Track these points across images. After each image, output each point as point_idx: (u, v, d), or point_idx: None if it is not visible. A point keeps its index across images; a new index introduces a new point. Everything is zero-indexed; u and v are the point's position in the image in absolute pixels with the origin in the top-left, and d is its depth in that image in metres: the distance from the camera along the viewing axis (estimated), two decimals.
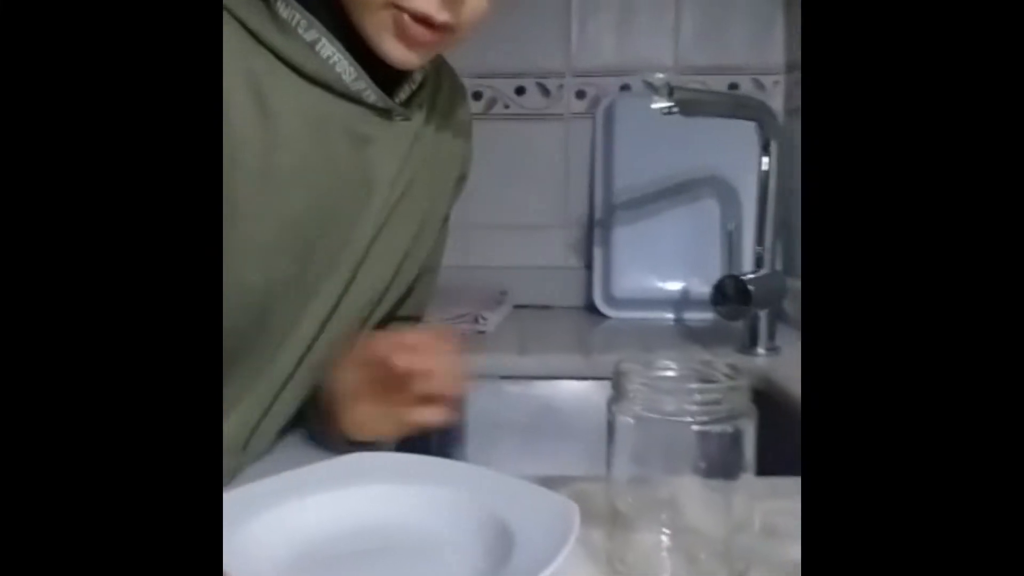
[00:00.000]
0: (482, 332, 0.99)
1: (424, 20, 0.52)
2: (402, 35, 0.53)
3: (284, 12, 0.54)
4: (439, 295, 0.86)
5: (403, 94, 0.61)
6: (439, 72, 0.67)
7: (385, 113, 0.60)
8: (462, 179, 0.74)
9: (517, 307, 1.12)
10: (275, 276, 0.55)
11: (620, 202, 1.11)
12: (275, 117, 0.53)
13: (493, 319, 1.01)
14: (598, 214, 1.13)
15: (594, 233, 1.13)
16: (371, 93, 0.58)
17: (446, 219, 0.74)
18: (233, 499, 0.40)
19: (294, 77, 0.55)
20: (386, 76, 0.58)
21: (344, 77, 0.56)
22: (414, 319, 0.74)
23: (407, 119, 0.62)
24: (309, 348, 0.60)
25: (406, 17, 0.52)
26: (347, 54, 0.56)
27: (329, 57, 0.55)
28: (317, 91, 0.56)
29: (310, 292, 0.58)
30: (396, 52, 0.54)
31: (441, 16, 0.53)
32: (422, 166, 0.65)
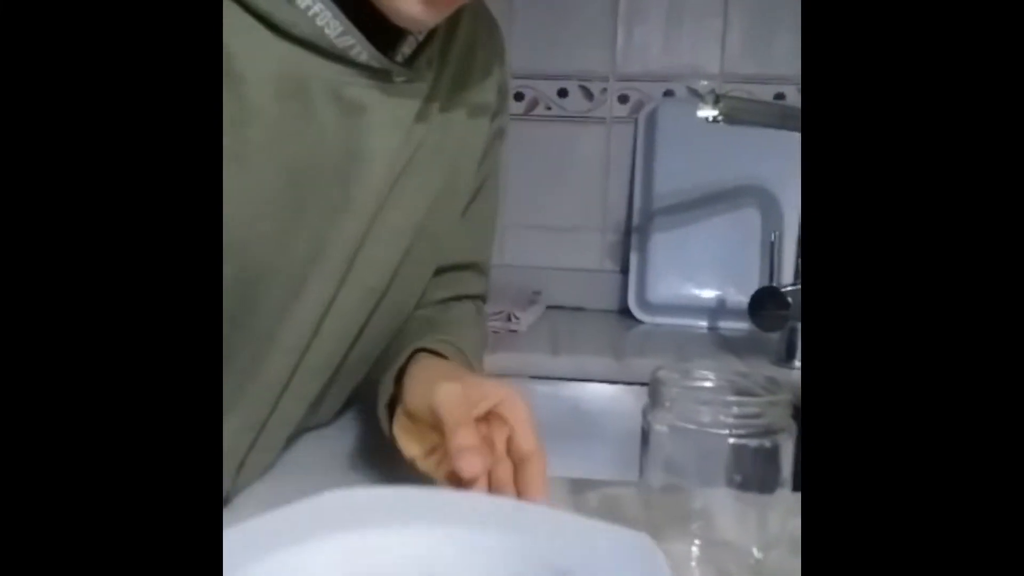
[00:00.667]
0: (514, 331, 0.99)
1: None
2: None
3: None
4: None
5: (406, 49, 0.52)
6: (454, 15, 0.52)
7: (382, 75, 0.50)
8: (499, 133, 0.65)
9: (550, 308, 1.13)
10: (249, 268, 0.47)
11: (659, 208, 1.10)
12: (241, 82, 0.44)
13: (526, 319, 1.01)
14: (636, 219, 1.12)
15: (631, 237, 1.13)
16: (362, 51, 0.48)
17: (493, 176, 0.66)
18: (231, 540, 0.32)
19: (264, 32, 0.45)
20: (382, 29, 0.48)
21: (327, 31, 0.46)
22: (476, 297, 0.70)
23: (412, 81, 0.52)
24: (307, 348, 0.52)
25: None
26: (330, 3, 0.46)
27: (309, 7, 0.46)
28: (293, 49, 0.46)
29: (296, 284, 0.50)
30: (410, 7, 0.46)
31: None
32: (437, 131, 0.56)
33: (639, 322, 1.10)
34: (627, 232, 1.15)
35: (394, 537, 0.34)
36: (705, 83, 0.77)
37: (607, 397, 0.91)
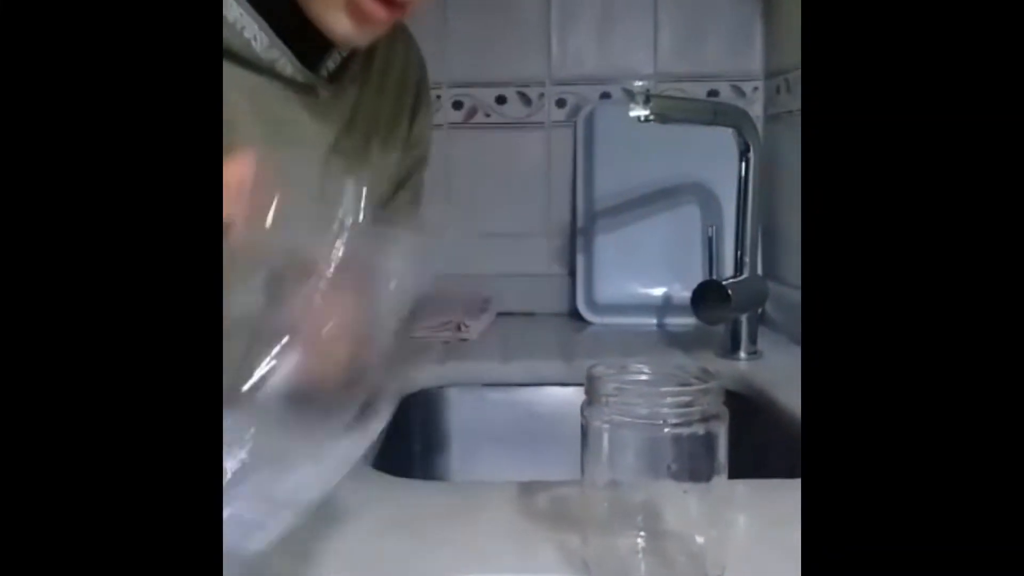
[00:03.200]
0: (465, 340, 0.99)
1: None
2: (355, 13, 0.46)
3: None
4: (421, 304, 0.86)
5: (330, 64, 0.52)
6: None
7: (307, 89, 0.51)
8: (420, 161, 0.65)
9: (501, 314, 1.13)
10: None
11: (602, 209, 1.11)
12: None
13: (476, 327, 1.01)
14: (580, 221, 1.13)
15: (576, 240, 1.14)
16: (287, 64, 0.49)
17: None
18: None
19: None
20: (307, 44, 0.49)
21: (253, 44, 0.47)
22: None
23: (336, 96, 0.53)
24: None
25: None
26: (256, 15, 0.47)
27: (236, 20, 0.46)
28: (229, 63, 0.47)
29: None
30: (342, 27, 0.47)
31: None
32: (356, 147, 0.56)
33: (588, 323, 1.10)
34: (572, 235, 1.16)
35: None
36: (640, 83, 0.78)
37: (560, 400, 0.92)
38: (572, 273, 1.15)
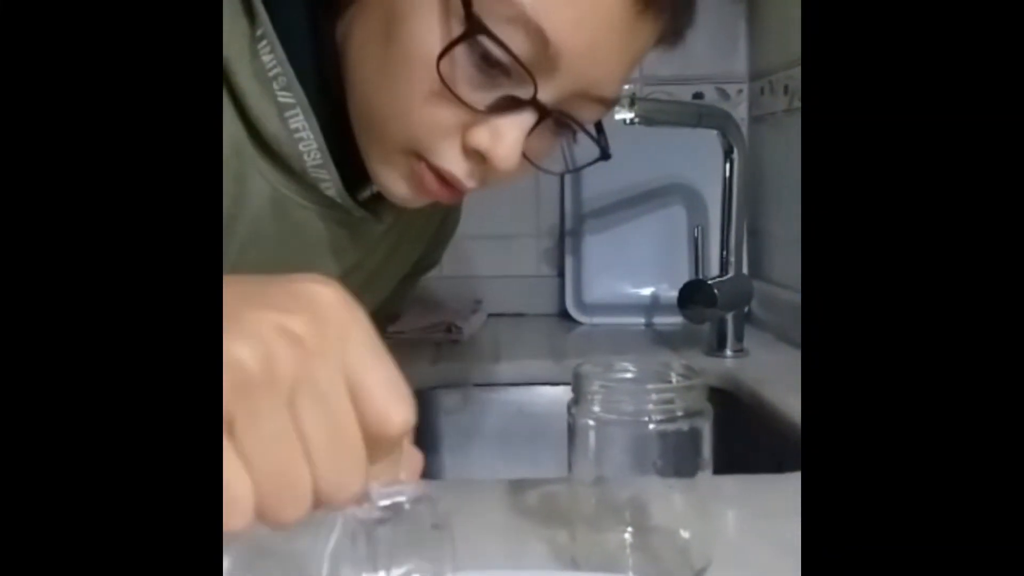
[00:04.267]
0: (456, 341, 1.00)
1: (444, 178, 0.46)
2: (416, 184, 0.46)
3: (265, 56, 0.45)
4: (414, 306, 0.87)
5: (372, 190, 0.52)
6: None
7: (343, 211, 0.51)
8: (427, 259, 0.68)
9: (491, 315, 1.14)
10: None
11: (589, 211, 1.12)
12: (242, 177, 0.47)
13: (467, 329, 1.02)
14: (568, 223, 1.14)
15: (565, 242, 1.15)
16: (331, 186, 0.48)
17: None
18: None
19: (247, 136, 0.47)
20: (353, 170, 0.49)
21: (306, 158, 0.47)
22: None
23: (373, 221, 0.53)
24: None
25: (427, 172, 0.45)
26: (319, 133, 0.46)
27: (297, 130, 0.46)
28: (271, 162, 0.48)
29: None
30: (400, 192, 0.47)
31: (469, 183, 0.46)
32: (382, 263, 0.58)
33: (578, 323, 1.12)
34: (561, 236, 1.17)
35: None
36: (626, 87, 0.79)
37: (550, 399, 0.93)
38: (561, 274, 1.16)
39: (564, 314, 1.14)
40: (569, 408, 0.43)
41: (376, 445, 0.27)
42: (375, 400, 0.27)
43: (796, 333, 0.93)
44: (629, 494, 0.45)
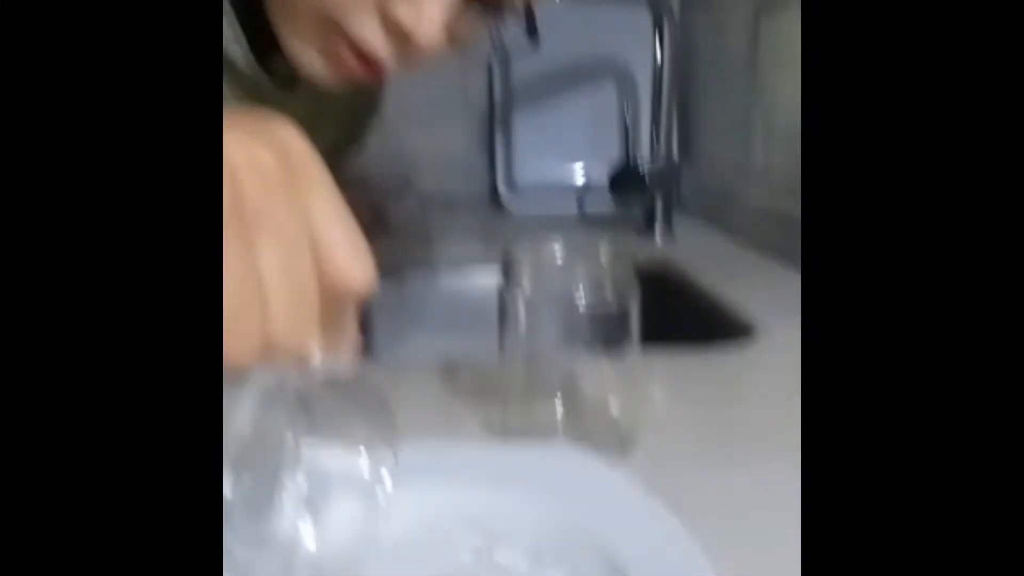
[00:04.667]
0: (386, 227, 0.98)
1: (363, 54, 0.44)
2: (334, 61, 0.45)
3: None
4: (343, 186, 0.85)
5: (284, 67, 0.49)
6: None
7: (251, 82, 0.50)
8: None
9: (423, 198, 1.12)
10: None
11: (519, 92, 1.10)
12: None
13: (397, 213, 1.01)
14: (498, 101, 1.12)
15: (494, 122, 1.13)
16: (241, 57, 0.47)
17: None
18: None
19: None
20: (266, 43, 0.47)
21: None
22: None
23: (284, 94, 0.51)
24: None
25: (344, 46, 0.44)
26: (231, 13, 0.46)
27: None
28: None
29: None
30: (315, 66, 0.45)
31: (383, 53, 0.44)
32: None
33: (508, 209, 1.11)
34: (491, 116, 1.14)
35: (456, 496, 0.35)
36: None
37: (481, 284, 0.93)
38: (491, 156, 1.14)
39: (495, 197, 1.13)
40: (500, 291, 0.44)
41: (329, 303, 0.26)
42: (337, 254, 0.25)
43: (722, 216, 0.95)
44: (559, 370, 0.47)
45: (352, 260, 0.26)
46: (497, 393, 0.49)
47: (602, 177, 1.03)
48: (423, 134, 1.15)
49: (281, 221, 0.24)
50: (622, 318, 0.43)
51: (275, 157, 0.25)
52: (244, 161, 0.24)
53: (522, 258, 0.43)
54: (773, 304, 0.67)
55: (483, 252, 0.93)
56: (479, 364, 0.56)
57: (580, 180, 1.10)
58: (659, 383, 0.53)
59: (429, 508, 0.35)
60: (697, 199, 1.02)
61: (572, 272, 0.42)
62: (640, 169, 0.83)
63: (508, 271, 0.43)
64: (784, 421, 0.41)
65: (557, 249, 0.45)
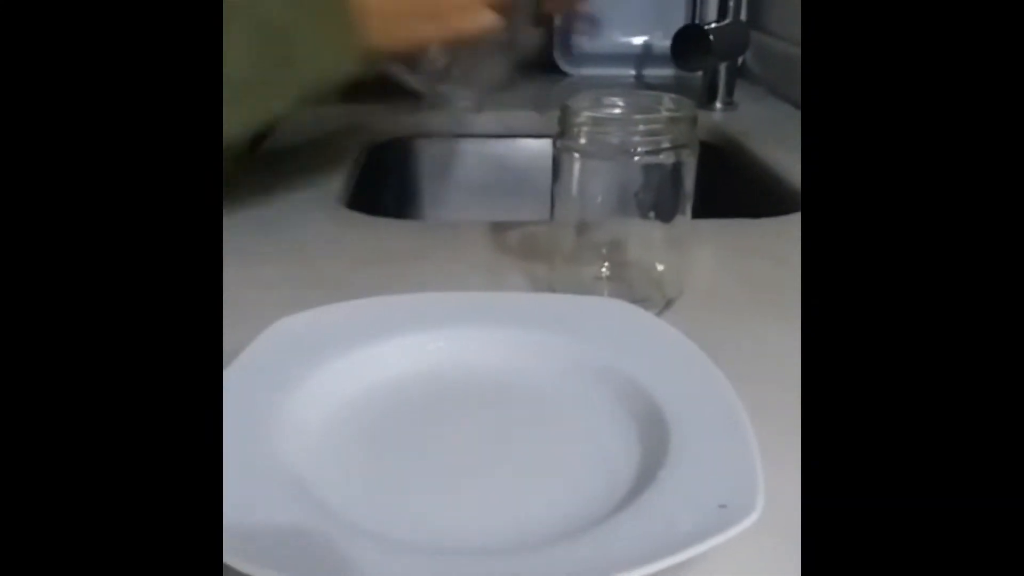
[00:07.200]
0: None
1: None
2: None
3: None
4: None
5: None
6: None
7: None
8: None
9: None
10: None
11: None
12: None
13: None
14: None
15: None
16: None
17: None
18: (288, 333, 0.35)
19: None
20: None
21: None
22: None
23: None
24: None
25: None
26: None
27: None
28: None
29: None
30: None
31: None
32: None
33: (565, 75, 1.07)
34: None
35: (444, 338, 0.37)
36: None
37: (533, 151, 0.91)
38: (549, 21, 1.09)
39: (551, 63, 1.09)
40: (555, 142, 0.42)
41: None
42: None
43: (789, 87, 0.90)
44: (609, 234, 0.46)
45: None
46: (544, 254, 0.48)
47: (663, 44, 0.98)
48: None
49: None
50: (677, 174, 0.42)
51: None
52: None
53: (579, 108, 0.41)
54: None
55: (534, 118, 0.90)
56: (527, 226, 0.55)
57: (641, 47, 1.04)
58: (707, 248, 0.52)
59: (477, 346, 0.36)
60: (763, 67, 0.97)
61: (630, 122, 0.40)
62: (706, 31, 0.78)
63: (564, 121, 0.41)
64: None
65: (616, 100, 0.43)
